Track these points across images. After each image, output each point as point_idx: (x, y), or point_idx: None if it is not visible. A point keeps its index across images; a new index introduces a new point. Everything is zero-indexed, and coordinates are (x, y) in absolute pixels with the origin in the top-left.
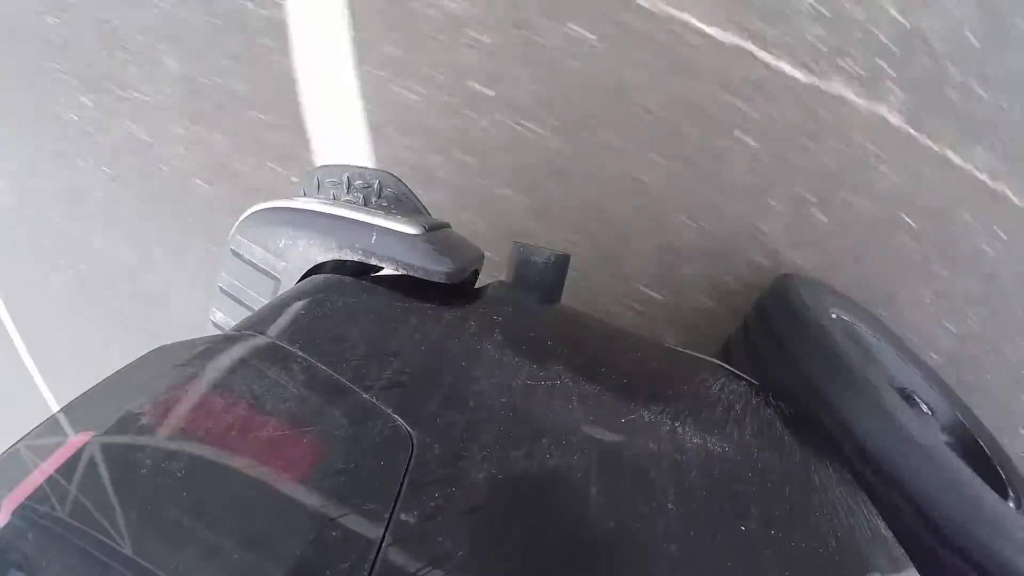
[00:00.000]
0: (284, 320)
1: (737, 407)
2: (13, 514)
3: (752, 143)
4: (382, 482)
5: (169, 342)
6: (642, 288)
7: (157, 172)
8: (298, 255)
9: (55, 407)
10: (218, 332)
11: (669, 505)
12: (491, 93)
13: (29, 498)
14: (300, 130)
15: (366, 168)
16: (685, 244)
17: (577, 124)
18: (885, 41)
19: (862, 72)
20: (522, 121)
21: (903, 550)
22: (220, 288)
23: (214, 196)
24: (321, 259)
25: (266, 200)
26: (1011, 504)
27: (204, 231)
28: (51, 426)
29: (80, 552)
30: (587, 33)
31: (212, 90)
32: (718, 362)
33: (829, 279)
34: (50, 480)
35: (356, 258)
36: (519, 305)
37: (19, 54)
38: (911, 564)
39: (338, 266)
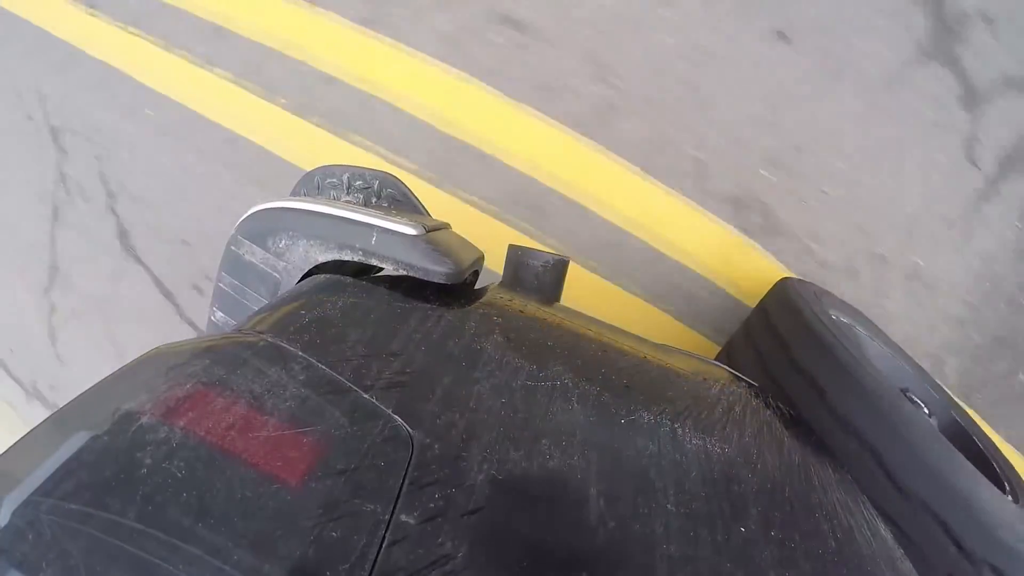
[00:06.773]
0: (284, 320)
1: (737, 408)
2: (13, 514)
3: None
4: (382, 482)
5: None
6: None
7: None
8: (298, 255)
9: None
10: (218, 332)
11: (669, 506)
12: None
13: (29, 498)
14: None
15: (366, 169)
16: None
17: None
18: None
19: None
20: None
21: (902, 550)
22: (220, 288)
23: None
24: (321, 259)
25: (267, 200)
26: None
27: None
28: (52, 425)
29: (80, 552)
30: None
31: None
32: (718, 364)
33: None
34: (50, 480)
35: (356, 258)
36: (519, 306)
37: None
38: (910, 564)
39: (338, 266)
